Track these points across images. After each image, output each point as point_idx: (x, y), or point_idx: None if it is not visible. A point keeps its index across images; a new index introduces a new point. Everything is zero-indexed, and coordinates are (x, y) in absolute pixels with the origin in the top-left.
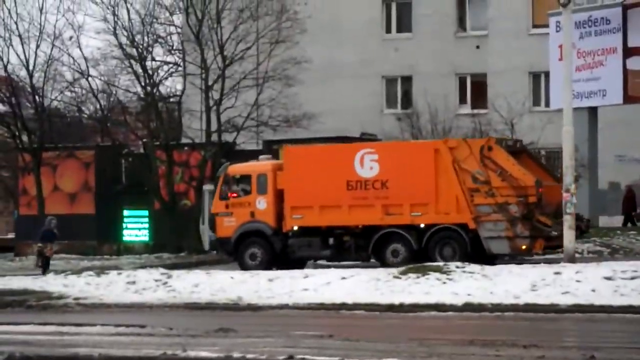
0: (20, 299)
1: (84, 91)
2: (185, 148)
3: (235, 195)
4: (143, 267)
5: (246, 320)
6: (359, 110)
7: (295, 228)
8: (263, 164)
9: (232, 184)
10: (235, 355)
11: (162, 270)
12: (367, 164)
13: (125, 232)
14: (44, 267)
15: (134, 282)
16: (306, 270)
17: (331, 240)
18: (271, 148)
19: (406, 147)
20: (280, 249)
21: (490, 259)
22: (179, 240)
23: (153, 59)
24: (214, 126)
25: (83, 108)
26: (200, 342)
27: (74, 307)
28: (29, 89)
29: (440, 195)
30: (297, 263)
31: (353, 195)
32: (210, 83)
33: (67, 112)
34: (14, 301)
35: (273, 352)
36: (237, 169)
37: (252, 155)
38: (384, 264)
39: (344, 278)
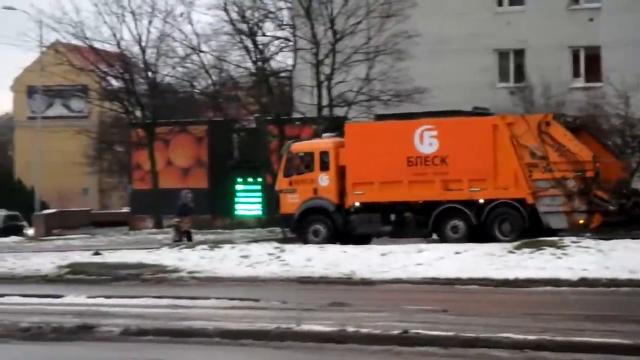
0: (135, 272)
1: (195, 66)
2: (297, 122)
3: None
4: (256, 241)
5: (359, 295)
6: (470, 84)
7: (357, 204)
8: (325, 142)
9: (296, 162)
10: (349, 329)
11: (274, 244)
12: (426, 140)
13: (237, 206)
14: (187, 239)
15: (247, 256)
16: (420, 245)
17: (392, 217)
18: None
19: (465, 123)
20: (342, 225)
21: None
22: None
23: (263, 34)
24: (325, 101)
25: (195, 83)
26: (313, 316)
27: (188, 281)
28: (142, 65)
29: (498, 171)
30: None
31: (413, 171)
32: (321, 58)
33: (179, 88)
34: (129, 275)
35: (387, 327)
36: (300, 146)
37: None
38: (443, 239)
39: (457, 253)
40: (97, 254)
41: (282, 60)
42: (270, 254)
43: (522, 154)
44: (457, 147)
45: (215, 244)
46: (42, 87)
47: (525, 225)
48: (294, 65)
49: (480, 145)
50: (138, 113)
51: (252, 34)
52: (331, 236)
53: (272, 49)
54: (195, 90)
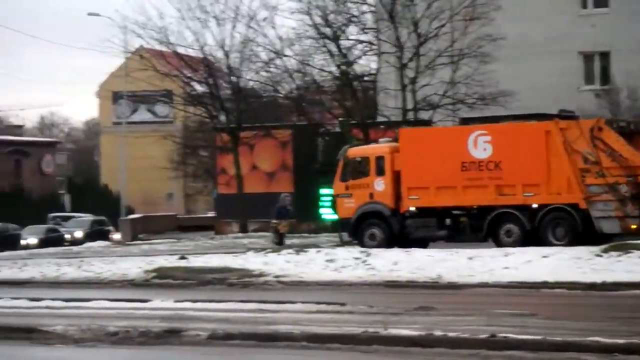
0: (221, 276)
1: (279, 71)
2: (381, 126)
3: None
4: (316, 245)
5: (446, 299)
6: (555, 87)
7: (412, 209)
8: (381, 146)
9: (352, 167)
10: (437, 333)
11: (360, 248)
12: (480, 145)
13: (322, 210)
14: (279, 243)
15: (332, 260)
16: (506, 249)
17: (448, 221)
18: None
19: (518, 128)
20: (398, 230)
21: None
22: None
23: (347, 38)
24: (409, 104)
25: (278, 88)
26: (401, 320)
27: (274, 285)
28: (226, 70)
29: (551, 176)
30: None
31: (467, 176)
32: (405, 61)
33: (263, 92)
34: (214, 279)
35: (474, 331)
36: (357, 151)
37: None
38: (498, 244)
39: (544, 256)
40: (183, 258)
41: (366, 63)
42: (356, 258)
43: (575, 159)
44: (511, 152)
45: (301, 248)
46: (127, 93)
47: (579, 230)
48: (378, 69)
49: (534, 150)
50: (222, 118)
51: (335, 38)
52: (387, 240)
53: (356, 52)
54: (279, 95)
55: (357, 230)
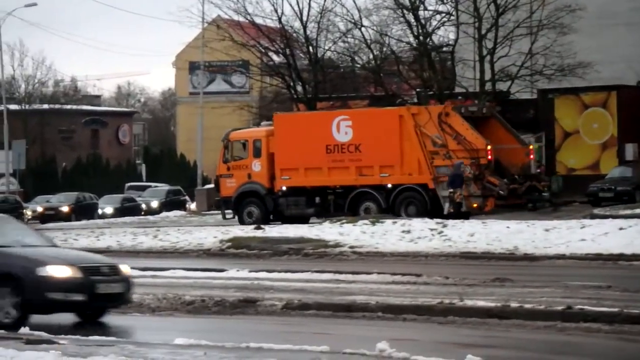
0: (297, 247)
1: (356, 41)
2: (459, 97)
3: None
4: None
5: (522, 270)
6: (634, 58)
7: (284, 188)
8: (258, 130)
9: (233, 149)
10: (513, 304)
11: (437, 219)
12: (342, 130)
13: None
14: (457, 212)
15: (408, 231)
16: (583, 221)
17: (317, 199)
18: (545, 98)
19: (375, 113)
20: (272, 207)
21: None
22: None
23: (425, 9)
24: (487, 75)
25: (356, 58)
26: (476, 291)
27: (350, 256)
28: (303, 40)
29: (404, 158)
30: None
31: (332, 158)
32: (483, 32)
33: (340, 63)
34: (290, 249)
35: (550, 302)
36: (237, 135)
37: (527, 104)
38: None
39: (621, 228)
40: (258, 228)
41: (444, 34)
42: (432, 229)
43: (425, 142)
44: (369, 136)
45: (376, 219)
46: (204, 63)
47: (428, 208)
48: (456, 40)
49: (389, 134)
50: (299, 88)
51: (413, 9)
52: (263, 217)
53: (434, 23)
54: (357, 65)
55: (238, 208)
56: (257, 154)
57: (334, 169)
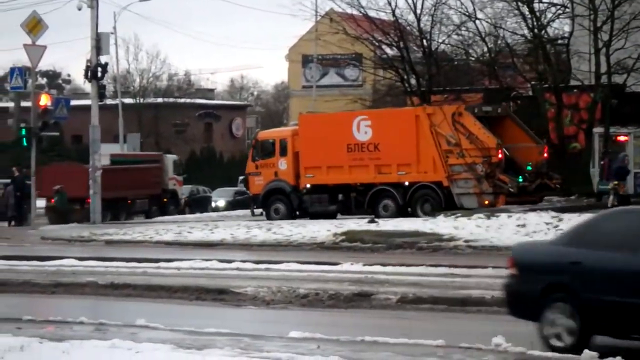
0: (411, 240)
1: (470, 34)
2: (575, 90)
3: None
4: (533, 209)
5: None
6: None
7: (308, 186)
8: (284, 130)
9: (261, 148)
10: None
11: (552, 213)
12: (362, 129)
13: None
14: (620, 204)
15: (524, 225)
16: None
17: (340, 196)
18: None
19: (393, 113)
20: (297, 204)
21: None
22: (569, 183)
23: (540, 1)
24: (603, 68)
25: (470, 51)
26: None
27: (464, 249)
28: (417, 33)
29: (420, 157)
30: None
31: (352, 157)
32: (599, 24)
33: (454, 56)
34: (404, 243)
35: None
36: (265, 134)
37: None
38: (377, 217)
39: None
40: (372, 222)
41: (559, 27)
42: (547, 223)
43: (440, 141)
44: (387, 135)
45: (491, 213)
46: (317, 56)
47: (442, 206)
48: (571, 32)
49: (406, 133)
50: (413, 81)
51: (528, 1)
52: (289, 214)
53: (549, 15)
54: (471, 58)
55: (265, 205)
56: (283, 153)
57: (354, 167)
